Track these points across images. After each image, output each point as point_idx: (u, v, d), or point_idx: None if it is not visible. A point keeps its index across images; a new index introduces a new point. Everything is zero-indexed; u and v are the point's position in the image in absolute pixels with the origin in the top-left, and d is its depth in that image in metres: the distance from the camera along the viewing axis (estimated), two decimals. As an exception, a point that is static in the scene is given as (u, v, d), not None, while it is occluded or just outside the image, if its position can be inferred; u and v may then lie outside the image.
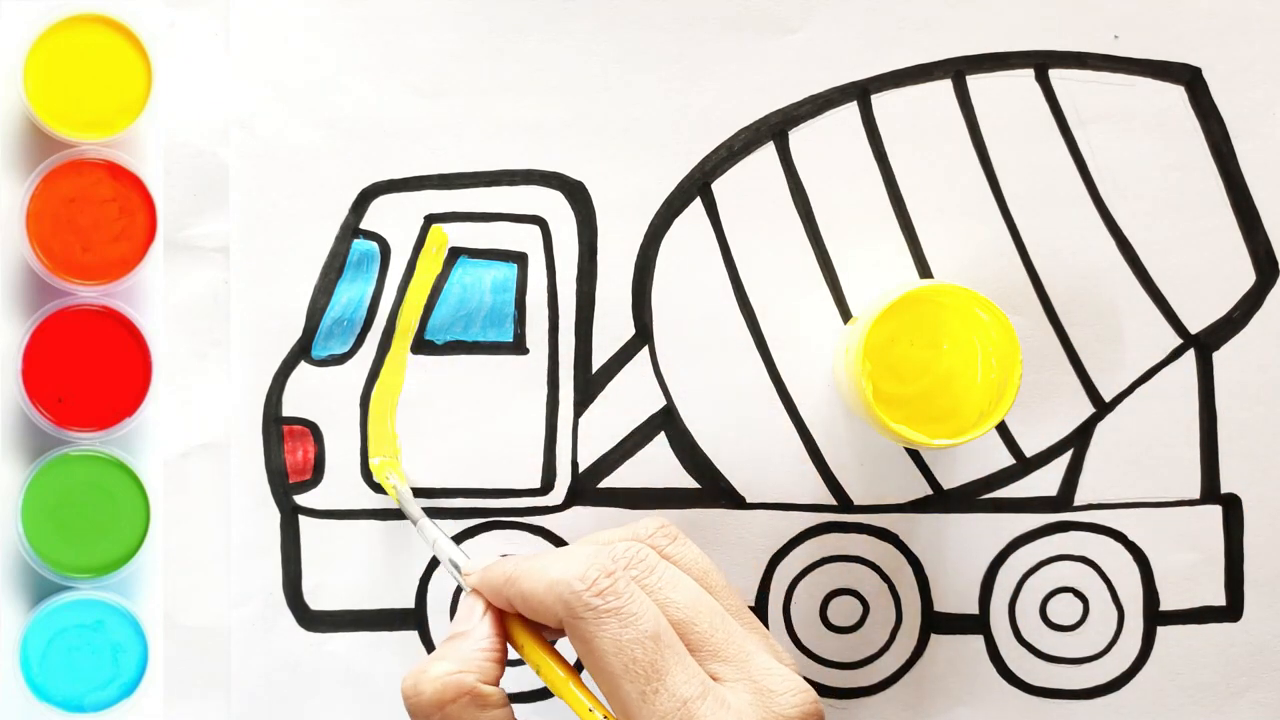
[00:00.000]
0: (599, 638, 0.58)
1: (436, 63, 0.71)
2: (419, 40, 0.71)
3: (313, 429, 0.71)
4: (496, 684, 0.61)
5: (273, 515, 0.71)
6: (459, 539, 0.71)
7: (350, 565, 0.71)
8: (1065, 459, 0.73)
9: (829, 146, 0.72)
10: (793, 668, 0.61)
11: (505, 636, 0.62)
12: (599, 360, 0.72)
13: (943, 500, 0.73)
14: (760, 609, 0.72)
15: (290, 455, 0.71)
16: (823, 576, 0.73)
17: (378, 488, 0.71)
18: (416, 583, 0.72)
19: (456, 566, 0.65)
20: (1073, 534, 0.73)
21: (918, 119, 0.72)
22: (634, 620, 0.58)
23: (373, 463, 0.71)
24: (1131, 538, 0.73)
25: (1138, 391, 0.73)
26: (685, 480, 0.72)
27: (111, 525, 0.69)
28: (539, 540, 0.72)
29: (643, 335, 0.72)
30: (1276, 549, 0.73)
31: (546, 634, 0.63)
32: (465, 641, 0.62)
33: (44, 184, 0.69)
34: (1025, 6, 0.72)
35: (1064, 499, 0.73)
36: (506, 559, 0.63)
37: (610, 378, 0.72)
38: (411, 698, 0.60)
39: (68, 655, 0.69)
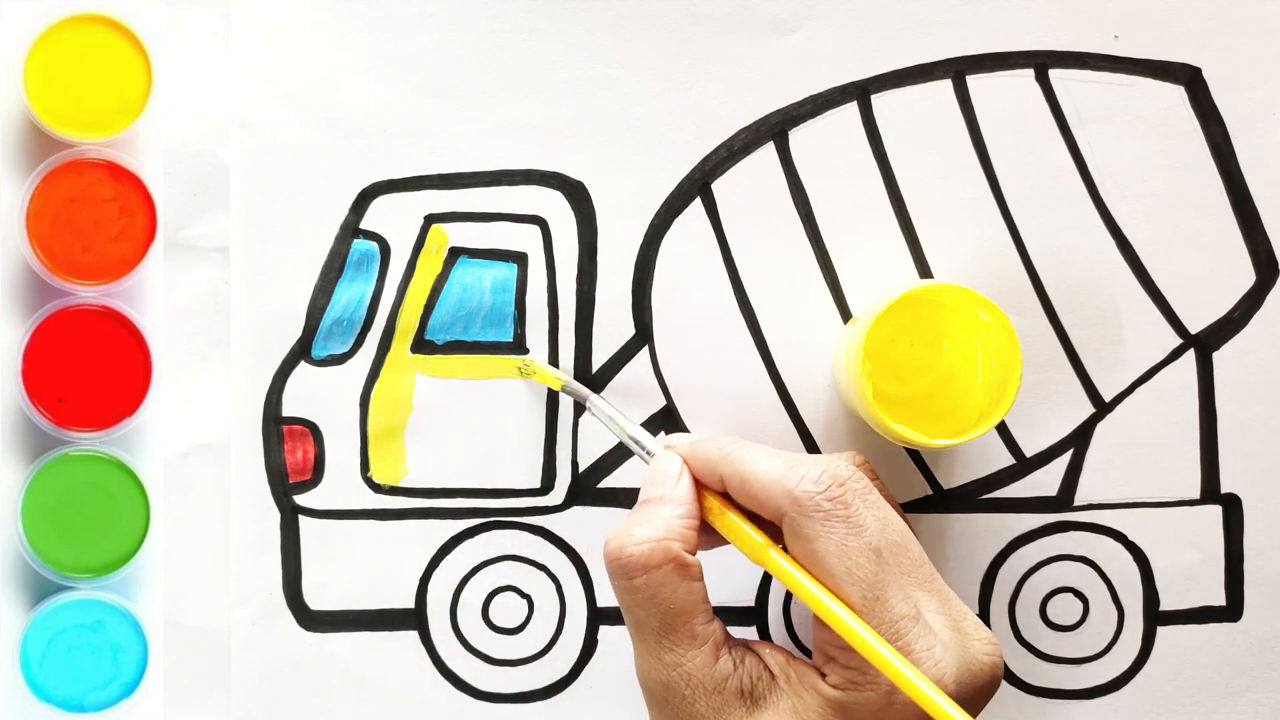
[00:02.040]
0: (825, 538, 0.59)
1: (436, 63, 0.71)
2: (419, 40, 0.71)
3: (313, 429, 0.71)
4: (694, 553, 0.62)
5: (273, 515, 0.71)
6: (459, 539, 0.71)
7: (350, 565, 0.71)
8: (1065, 459, 0.73)
9: (829, 146, 0.72)
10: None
11: (700, 501, 0.63)
12: (599, 360, 0.72)
13: (943, 500, 0.73)
14: (760, 609, 0.72)
15: (290, 455, 0.71)
16: (823, 576, 0.73)
17: (378, 488, 0.71)
18: (416, 583, 0.72)
19: (638, 442, 0.66)
20: (1073, 534, 0.73)
21: (918, 119, 0.72)
22: (861, 530, 0.59)
23: (530, 362, 0.71)
24: (1131, 538, 0.73)
25: (1138, 391, 0.73)
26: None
27: (111, 525, 0.69)
28: (539, 540, 0.72)
29: (643, 335, 0.72)
30: (1276, 549, 0.73)
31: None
32: (666, 507, 0.62)
33: (44, 184, 0.69)
34: (1025, 6, 0.72)
35: (1064, 499, 0.73)
36: (711, 437, 0.64)
37: (610, 378, 0.72)
38: (617, 558, 0.61)
39: (68, 655, 0.69)
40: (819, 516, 0.59)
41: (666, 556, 0.61)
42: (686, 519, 0.62)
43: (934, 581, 0.61)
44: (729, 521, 0.62)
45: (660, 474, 0.63)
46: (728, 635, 0.62)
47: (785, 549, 0.61)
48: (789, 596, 0.72)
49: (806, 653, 0.73)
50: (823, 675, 0.61)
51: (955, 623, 0.61)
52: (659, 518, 0.62)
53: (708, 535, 0.64)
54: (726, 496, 0.63)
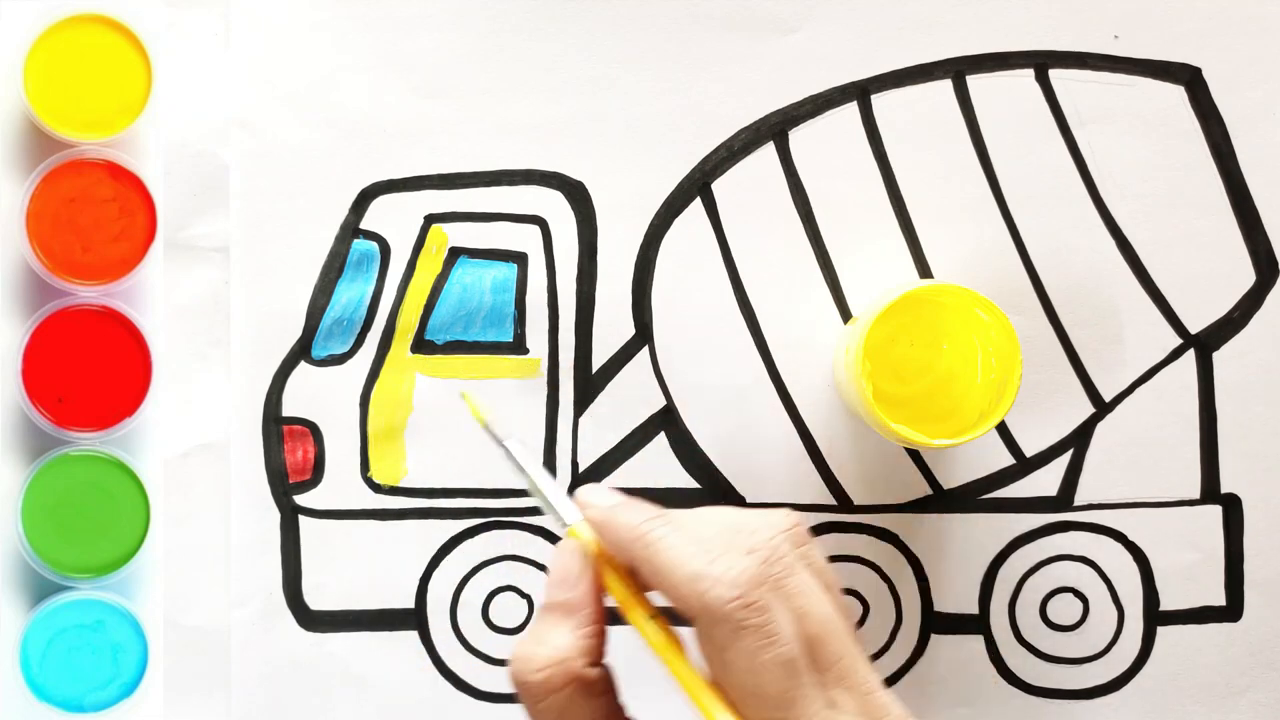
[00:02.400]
0: (733, 650, 0.55)
1: (436, 63, 0.71)
2: (419, 40, 0.71)
3: (313, 429, 0.71)
4: (602, 658, 0.58)
5: (273, 515, 0.71)
6: (459, 539, 0.71)
7: (350, 565, 0.71)
8: (1065, 459, 0.73)
9: (829, 146, 0.72)
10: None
11: (603, 600, 0.58)
12: (599, 360, 0.72)
13: (943, 500, 0.73)
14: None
15: (290, 455, 0.71)
16: (823, 576, 0.73)
17: (378, 488, 0.71)
18: (416, 583, 0.72)
19: (552, 505, 0.60)
20: (1073, 534, 0.73)
21: (918, 119, 0.72)
22: (774, 641, 0.55)
23: (463, 390, 0.68)
24: (1131, 538, 0.73)
25: (1138, 391, 0.73)
26: (685, 480, 0.72)
27: (111, 525, 0.69)
28: (539, 540, 0.72)
29: (643, 335, 0.72)
30: (1276, 549, 0.73)
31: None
32: (567, 619, 0.58)
33: (44, 184, 0.69)
34: (1025, 6, 0.72)
35: (1064, 499, 0.73)
36: (640, 507, 0.58)
37: (610, 378, 0.72)
38: (520, 683, 0.57)
39: (68, 655, 0.69)
40: (728, 627, 0.54)
41: (567, 678, 0.57)
42: (588, 628, 0.58)
43: (856, 673, 0.56)
44: (634, 615, 0.58)
45: (562, 572, 0.59)
46: None
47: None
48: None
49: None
50: None
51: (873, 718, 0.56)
52: (558, 635, 0.58)
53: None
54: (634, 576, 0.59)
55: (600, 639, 0.58)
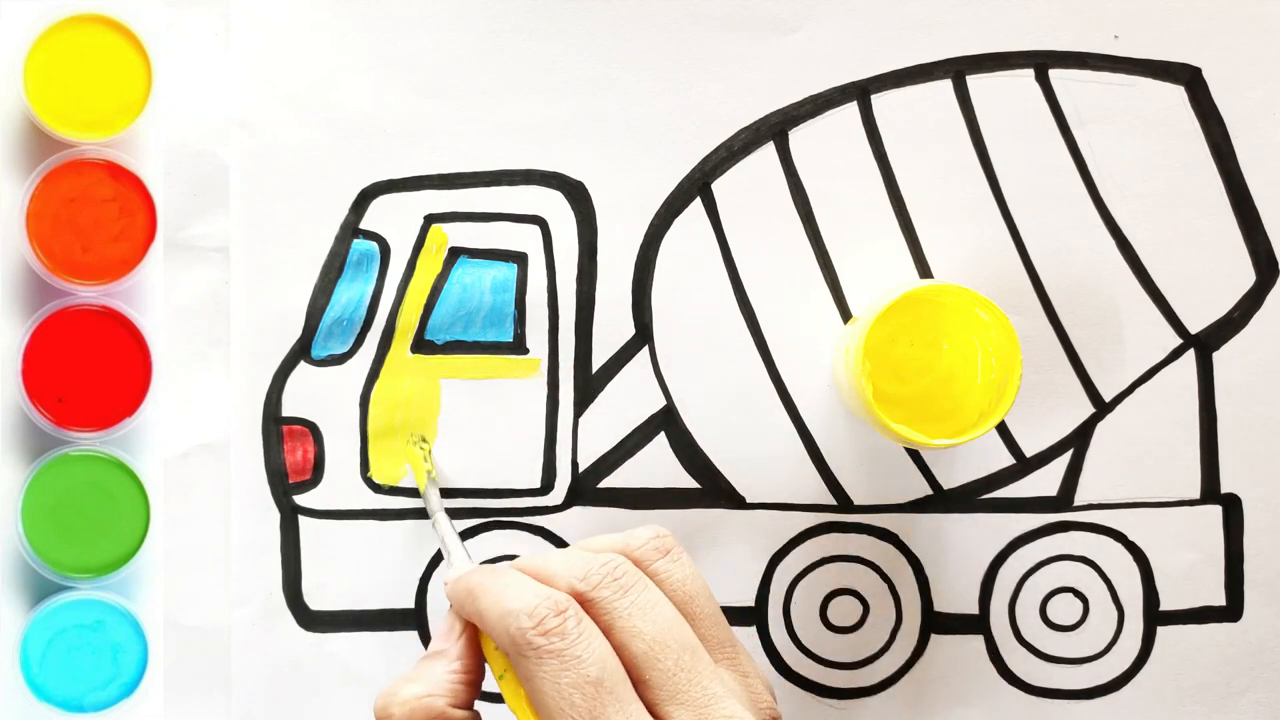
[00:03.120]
0: (537, 677, 0.56)
1: (436, 63, 0.71)
2: (419, 40, 0.71)
3: (312, 429, 0.71)
4: (469, 707, 0.60)
5: (272, 515, 0.71)
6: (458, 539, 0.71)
7: (350, 565, 0.71)
8: (1065, 459, 0.73)
9: (829, 146, 0.72)
10: (768, 711, 0.59)
11: (479, 654, 0.61)
12: (599, 360, 0.72)
13: (943, 500, 0.73)
14: (760, 609, 0.72)
15: (290, 455, 0.71)
16: (823, 576, 0.73)
17: (378, 488, 0.71)
18: (416, 583, 0.72)
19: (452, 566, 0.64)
20: (1073, 534, 0.73)
21: (918, 119, 0.72)
22: (576, 663, 0.56)
23: (411, 441, 0.70)
24: (1131, 538, 0.73)
25: (1138, 391, 0.73)
26: (685, 480, 0.72)
27: (111, 525, 0.69)
28: (539, 540, 0.72)
29: (643, 335, 0.72)
30: (1276, 549, 0.73)
31: None
32: (438, 662, 0.61)
33: (44, 184, 0.69)
34: (1025, 6, 0.72)
35: (1064, 499, 0.73)
36: (481, 569, 0.62)
37: (610, 378, 0.72)
38: (380, 717, 0.59)
39: (68, 655, 0.69)
40: (532, 655, 0.56)
41: (429, 714, 0.59)
42: (459, 674, 0.60)
43: (694, 687, 0.57)
44: (497, 673, 0.60)
45: (443, 628, 0.62)
46: None
47: None
48: (789, 596, 0.73)
49: (806, 653, 0.73)
50: None
51: None
52: (428, 674, 0.60)
53: None
54: None
55: (469, 687, 0.60)
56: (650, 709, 0.57)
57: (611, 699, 0.56)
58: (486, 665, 0.61)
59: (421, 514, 0.71)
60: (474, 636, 0.61)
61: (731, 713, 0.57)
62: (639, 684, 0.57)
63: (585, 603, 0.58)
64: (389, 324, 0.71)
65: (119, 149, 0.69)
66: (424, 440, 0.71)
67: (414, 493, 0.71)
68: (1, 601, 0.70)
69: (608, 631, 0.57)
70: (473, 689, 0.61)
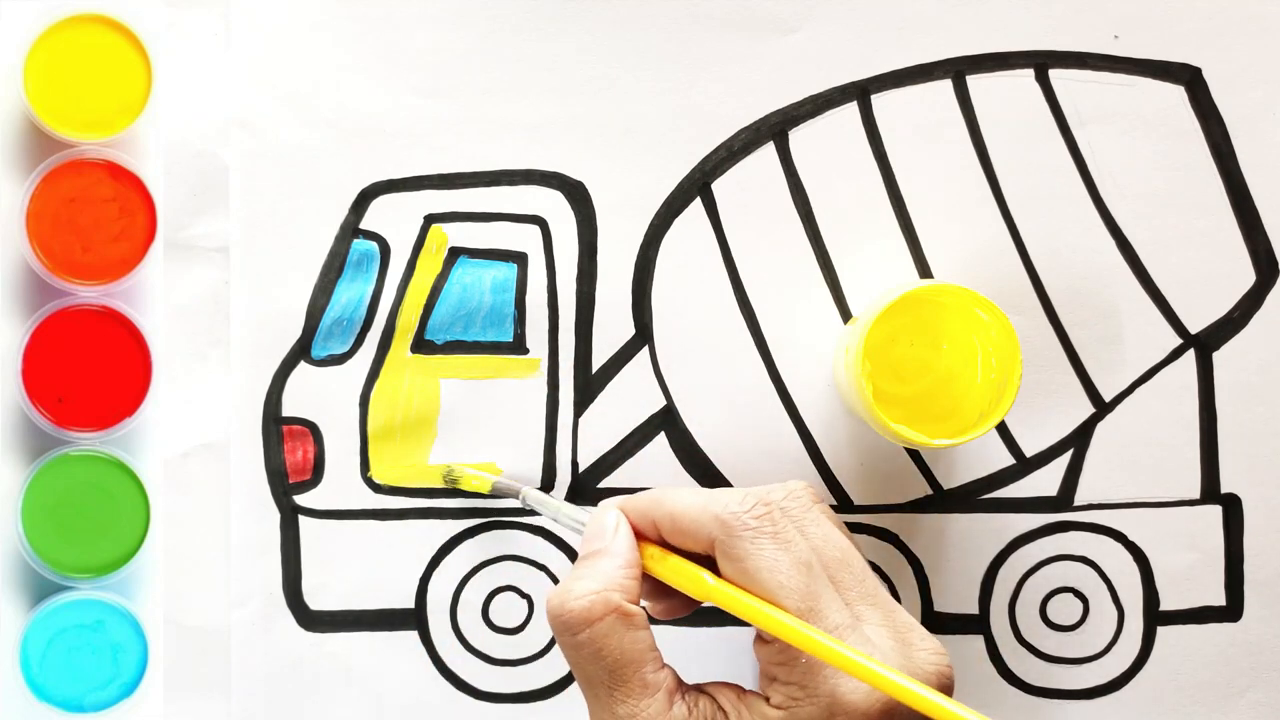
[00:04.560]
0: (755, 555, 0.59)
1: (436, 63, 0.71)
2: (419, 40, 0.71)
3: (312, 429, 0.71)
4: (638, 602, 0.62)
5: (273, 515, 0.71)
6: (459, 539, 0.71)
7: (350, 565, 0.71)
8: (1065, 459, 0.73)
9: (829, 146, 0.72)
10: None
11: (637, 552, 0.63)
12: (599, 360, 0.72)
13: (943, 500, 0.73)
14: (760, 609, 0.72)
15: (290, 455, 0.71)
16: (823, 576, 0.73)
17: (378, 488, 0.71)
18: (416, 583, 0.72)
19: (576, 519, 0.66)
20: (1073, 534, 0.73)
21: (918, 119, 0.72)
22: (789, 545, 0.60)
23: (448, 480, 0.71)
24: (1131, 538, 0.73)
25: (1138, 391, 0.73)
26: (685, 480, 0.72)
27: (111, 525, 0.69)
28: (539, 540, 0.72)
29: (643, 335, 0.72)
30: (1276, 549, 0.73)
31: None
32: (606, 559, 0.62)
33: (44, 184, 0.69)
34: (1025, 6, 0.72)
35: (1064, 499, 0.73)
36: (644, 491, 0.64)
37: (610, 378, 0.72)
38: (558, 615, 0.61)
39: (68, 655, 0.69)
40: (747, 535, 0.60)
41: (608, 608, 0.60)
42: (626, 569, 0.62)
43: (877, 595, 0.61)
44: (669, 563, 0.62)
45: (597, 528, 0.63)
46: (679, 681, 0.61)
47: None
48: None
49: (806, 653, 0.73)
50: (768, 700, 0.60)
51: (899, 634, 0.60)
52: (598, 570, 0.62)
53: (667, 604, 0.64)
54: (663, 545, 0.63)
55: (637, 582, 0.62)
56: None
57: (824, 582, 0.60)
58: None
59: (422, 514, 0.71)
60: (632, 533, 0.63)
61: (911, 622, 0.61)
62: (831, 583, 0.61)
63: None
64: (389, 324, 0.71)
65: (119, 149, 0.69)
66: (451, 471, 0.71)
67: (414, 492, 0.71)
68: (1, 601, 0.70)
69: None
70: (640, 585, 0.62)
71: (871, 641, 0.59)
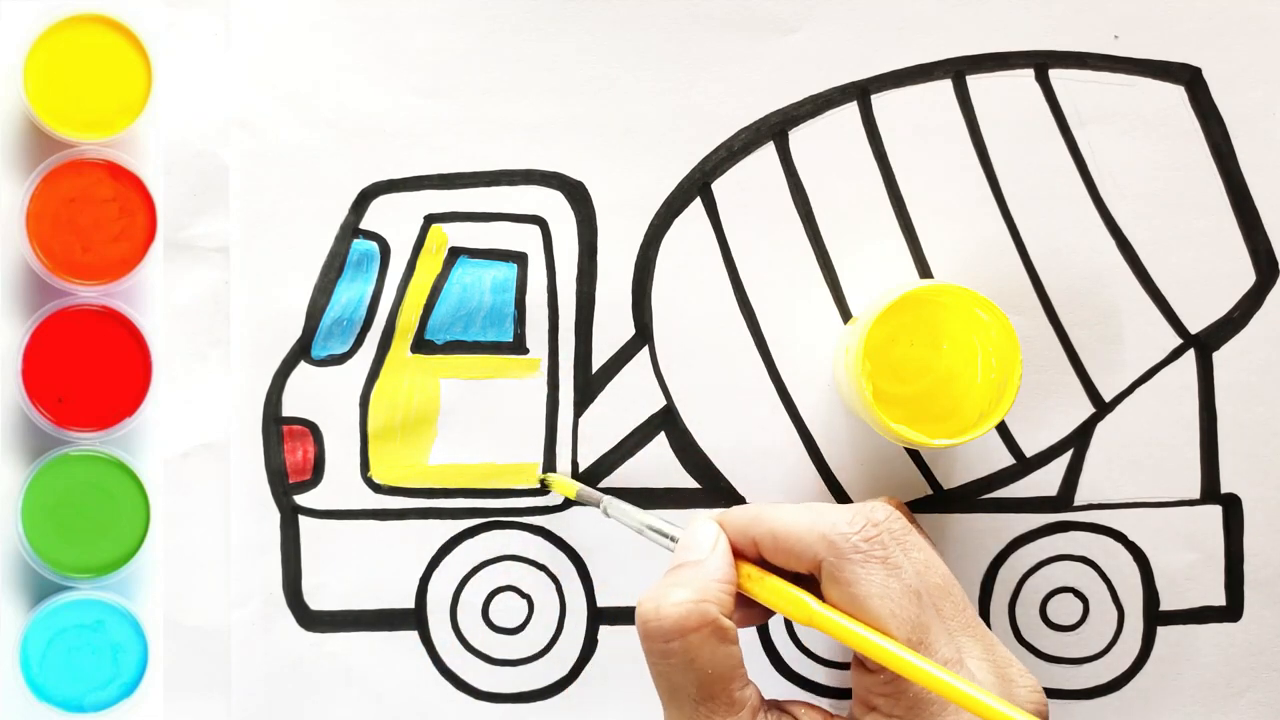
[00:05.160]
0: (865, 581, 0.57)
1: (436, 63, 0.71)
2: (419, 40, 0.71)
3: (312, 429, 0.71)
4: (731, 618, 0.60)
5: (273, 515, 0.71)
6: (459, 539, 0.71)
7: (350, 565, 0.71)
8: (1065, 459, 0.73)
9: (829, 146, 0.72)
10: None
11: (733, 568, 0.61)
12: (599, 360, 0.72)
13: (943, 500, 0.73)
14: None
15: (290, 455, 0.71)
16: (823, 576, 0.73)
17: (378, 488, 0.71)
18: (416, 583, 0.72)
19: (663, 533, 0.64)
20: (1073, 534, 0.73)
21: (918, 119, 0.72)
22: (899, 571, 0.58)
23: (547, 476, 0.71)
24: (1131, 538, 0.73)
25: (1138, 391, 0.73)
26: (685, 480, 0.72)
27: (111, 525, 0.69)
28: (539, 540, 0.72)
29: (643, 335, 0.72)
30: (1276, 549, 0.73)
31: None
32: (701, 571, 0.60)
33: (44, 184, 0.69)
34: (1025, 6, 0.72)
35: (1064, 499, 0.73)
36: (741, 507, 0.63)
37: (610, 378, 0.72)
38: (652, 621, 0.59)
39: (68, 655, 0.69)
40: (857, 559, 0.58)
41: (704, 620, 0.58)
42: (723, 583, 0.60)
43: (977, 627, 0.60)
44: (769, 584, 0.60)
45: (694, 540, 0.61)
46: (762, 698, 0.61)
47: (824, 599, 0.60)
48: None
49: (805, 652, 0.73)
50: None
51: (1000, 669, 0.60)
52: (695, 581, 0.60)
53: (744, 612, 0.62)
54: (760, 564, 0.62)
55: (731, 597, 0.60)
56: None
57: (930, 611, 0.58)
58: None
59: (422, 514, 0.71)
60: (728, 548, 0.61)
61: (1009, 656, 0.60)
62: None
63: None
64: (389, 324, 0.71)
65: (119, 149, 0.69)
66: (543, 483, 0.71)
67: (414, 492, 0.71)
68: (1, 601, 0.70)
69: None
70: (733, 598, 0.60)
71: (975, 676, 0.58)
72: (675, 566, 0.61)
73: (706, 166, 0.72)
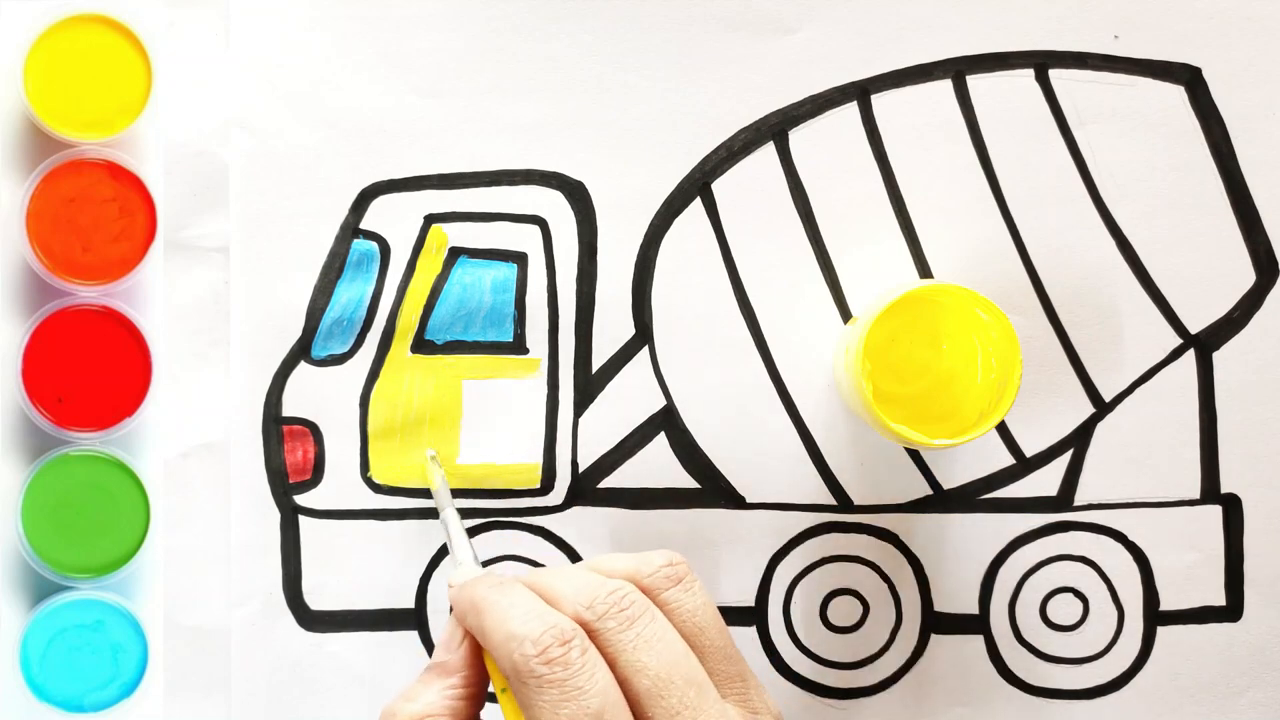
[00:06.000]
0: (536, 705, 0.56)
1: (436, 63, 0.71)
2: (419, 40, 0.71)
3: (313, 429, 0.71)
4: (471, 715, 0.60)
5: (273, 515, 0.71)
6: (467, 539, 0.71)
7: (350, 565, 0.71)
8: (1065, 459, 0.73)
9: (829, 146, 0.72)
10: None
11: (482, 665, 0.61)
12: (599, 360, 0.72)
13: (943, 500, 0.73)
14: (760, 609, 0.72)
15: (290, 455, 0.71)
16: (823, 576, 0.73)
17: (378, 488, 0.71)
18: (416, 583, 0.72)
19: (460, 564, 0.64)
20: (1073, 534, 0.73)
21: (918, 119, 0.72)
22: (577, 694, 0.56)
23: (428, 453, 0.70)
24: (1131, 538, 0.73)
25: (1138, 391, 0.73)
26: (685, 480, 0.72)
27: (111, 525, 0.69)
28: (539, 540, 0.72)
29: (643, 335, 0.72)
30: (1276, 549, 0.73)
31: None
32: (439, 679, 0.60)
33: (44, 184, 0.69)
34: (1025, 6, 0.72)
35: (1064, 499, 0.73)
36: (488, 580, 0.61)
37: (610, 378, 0.72)
38: None
39: (68, 655, 0.69)
40: (533, 683, 0.56)
41: None
42: (459, 689, 0.60)
43: (739, 692, 0.58)
44: (501, 694, 0.60)
45: (445, 636, 0.61)
46: None
47: None
48: (789, 596, 0.73)
49: (806, 653, 0.73)
50: None
51: None
52: (429, 690, 0.60)
53: None
54: None
55: (470, 701, 0.60)
56: None
57: None
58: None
59: (422, 514, 0.71)
60: (476, 646, 0.61)
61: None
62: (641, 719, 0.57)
63: (591, 632, 0.57)
64: (389, 324, 0.71)
65: (119, 149, 0.69)
66: (435, 457, 0.70)
67: (414, 492, 0.71)
68: (1, 601, 0.70)
69: (612, 664, 0.57)
70: (475, 702, 0.61)
71: None
72: (424, 670, 0.62)
73: (706, 166, 0.72)
